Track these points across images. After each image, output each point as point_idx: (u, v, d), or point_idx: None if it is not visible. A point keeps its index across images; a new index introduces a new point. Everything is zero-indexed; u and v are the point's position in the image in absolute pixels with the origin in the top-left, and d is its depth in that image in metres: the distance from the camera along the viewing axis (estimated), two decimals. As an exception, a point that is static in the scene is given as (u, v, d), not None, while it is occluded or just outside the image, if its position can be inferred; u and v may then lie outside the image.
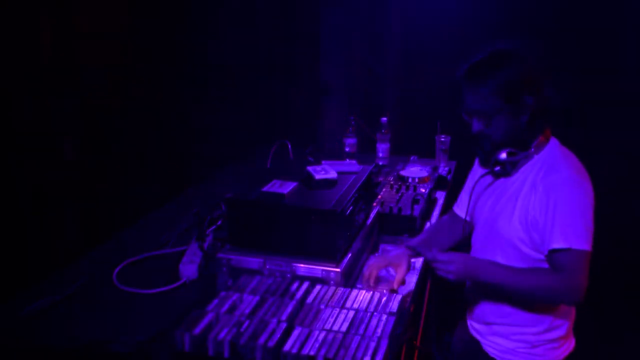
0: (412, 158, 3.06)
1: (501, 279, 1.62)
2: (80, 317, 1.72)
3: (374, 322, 1.47)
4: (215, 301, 1.56)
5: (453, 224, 2.04)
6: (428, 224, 2.30)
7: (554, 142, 1.73)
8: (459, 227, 2.00)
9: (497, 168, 1.71)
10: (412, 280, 1.89)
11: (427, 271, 1.98)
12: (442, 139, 2.96)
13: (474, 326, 1.90)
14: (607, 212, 1.90)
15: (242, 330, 1.42)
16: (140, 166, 3.91)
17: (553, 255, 1.58)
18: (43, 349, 1.59)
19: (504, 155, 1.68)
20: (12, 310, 1.71)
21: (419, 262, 2.02)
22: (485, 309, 1.82)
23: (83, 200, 3.32)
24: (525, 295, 1.64)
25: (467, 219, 1.93)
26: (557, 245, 1.56)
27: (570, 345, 1.80)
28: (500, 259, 1.70)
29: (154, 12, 3.83)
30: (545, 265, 1.64)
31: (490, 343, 1.82)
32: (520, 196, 1.68)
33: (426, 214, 2.37)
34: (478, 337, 1.88)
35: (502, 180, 1.77)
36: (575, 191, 1.58)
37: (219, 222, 2.17)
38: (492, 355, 1.81)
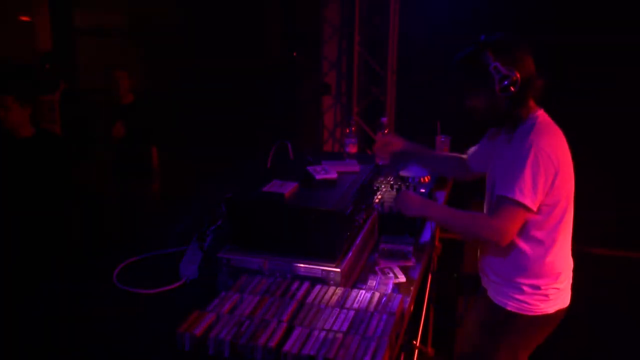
0: (412, 158, 3.06)
1: (444, 217, 1.90)
2: (80, 317, 1.71)
3: (374, 322, 1.47)
4: (216, 301, 1.56)
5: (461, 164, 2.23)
6: (428, 224, 2.30)
7: (534, 116, 1.82)
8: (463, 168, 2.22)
9: None
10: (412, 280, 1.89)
11: (427, 271, 1.98)
12: (442, 139, 2.95)
13: (482, 277, 2.06)
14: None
15: (242, 330, 1.42)
16: (140, 166, 3.91)
17: (496, 199, 1.78)
18: (43, 349, 1.59)
19: None
20: (12, 310, 1.71)
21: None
22: (484, 261, 2.00)
23: (83, 200, 3.33)
24: (461, 230, 1.88)
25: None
26: (498, 192, 1.77)
27: (562, 301, 1.91)
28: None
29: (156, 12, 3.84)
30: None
31: (491, 288, 1.98)
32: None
33: (426, 214, 2.36)
34: (485, 286, 2.03)
35: None
36: (532, 155, 1.72)
37: (219, 222, 2.17)
38: (492, 299, 1.96)
